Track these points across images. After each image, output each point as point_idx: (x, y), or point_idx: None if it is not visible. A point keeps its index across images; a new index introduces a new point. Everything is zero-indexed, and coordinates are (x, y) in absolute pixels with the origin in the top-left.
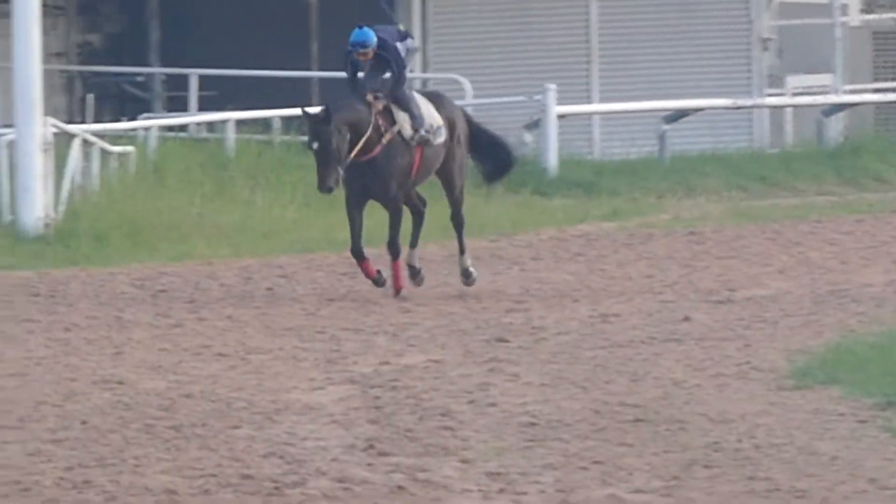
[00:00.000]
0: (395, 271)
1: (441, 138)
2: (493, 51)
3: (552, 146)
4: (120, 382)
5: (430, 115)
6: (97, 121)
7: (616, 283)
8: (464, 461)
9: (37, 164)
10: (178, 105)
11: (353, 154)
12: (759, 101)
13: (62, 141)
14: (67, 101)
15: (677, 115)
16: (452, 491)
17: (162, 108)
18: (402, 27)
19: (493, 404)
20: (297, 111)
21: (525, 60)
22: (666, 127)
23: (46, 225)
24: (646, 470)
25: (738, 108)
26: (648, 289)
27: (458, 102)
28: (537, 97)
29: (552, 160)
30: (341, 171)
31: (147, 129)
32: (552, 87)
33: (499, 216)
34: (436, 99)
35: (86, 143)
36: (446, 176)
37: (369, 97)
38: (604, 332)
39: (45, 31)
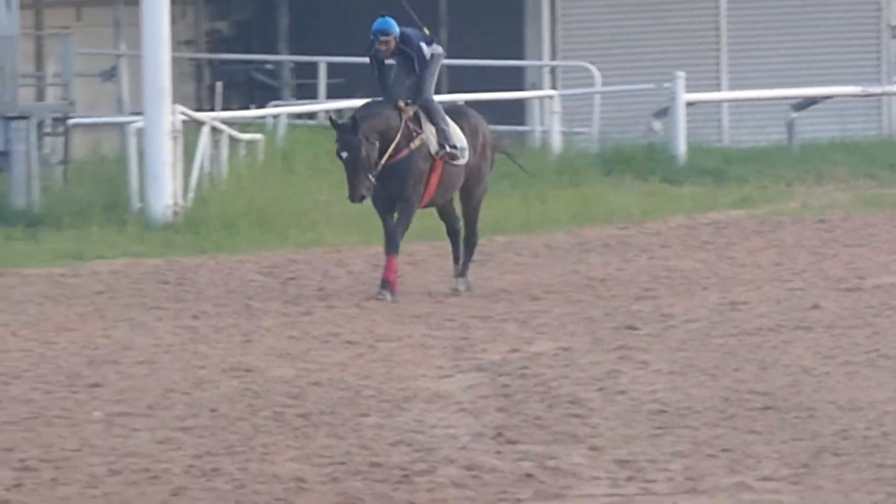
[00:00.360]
0: (389, 263)
1: (464, 160)
2: (622, 38)
3: (681, 134)
4: (248, 370)
5: (456, 134)
6: (226, 108)
7: (745, 271)
8: (593, 449)
9: (166, 152)
10: (307, 93)
11: (383, 161)
12: (888, 88)
13: (191, 129)
14: (196, 88)
15: (806, 103)
16: (581, 478)
17: (290, 96)
18: (427, 31)
19: (622, 392)
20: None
21: (654, 48)
22: (795, 115)
23: (175, 213)
24: (774, 458)
25: (867, 95)
26: (777, 277)
27: (586, 90)
28: (666, 85)
29: (681, 148)
30: (372, 179)
31: (275, 116)
32: (681, 74)
33: (628, 204)
34: (460, 114)
35: (214, 130)
36: (463, 193)
37: (400, 103)
38: (733, 319)
39: (174, 20)
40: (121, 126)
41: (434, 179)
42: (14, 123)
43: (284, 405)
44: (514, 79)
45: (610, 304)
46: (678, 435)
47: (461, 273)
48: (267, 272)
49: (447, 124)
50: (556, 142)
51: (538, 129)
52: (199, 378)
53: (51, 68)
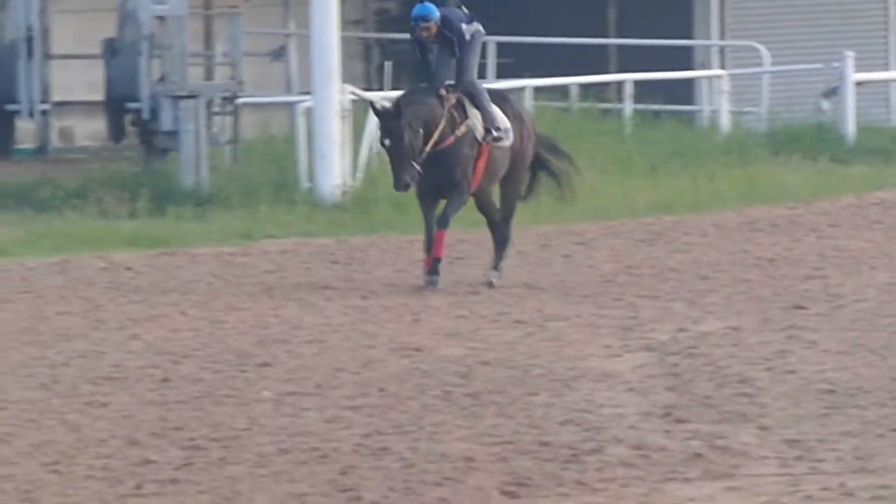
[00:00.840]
0: (438, 239)
1: (510, 140)
2: (790, 18)
3: (850, 113)
4: (417, 349)
5: (500, 116)
6: (394, 88)
7: None
8: (762, 428)
9: (334, 132)
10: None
11: (427, 148)
12: None
13: (359, 108)
14: (365, 68)
15: None
16: (750, 458)
17: None
18: (466, 10)
19: (791, 371)
20: (595, 78)
21: (823, 27)
22: None
23: (344, 192)
24: None
25: None
26: None
27: (755, 70)
28: (835, 65)
29: (850, 127)
30: (417, 167)
31: None
32: (850, 54)
33: (796, 184)
34: (501, 100)
35: None
36: (506, 179)
37: (442, 91)
38: None
39: None
40: (289, 105)
41: (481, 164)
42: (183, 103)
43: (453, 384)
44: (683, 58)
45: (779, 283)
46: (847, 415)
47: (495, 266)
48: None
49: (492, 106)
50: (725, 121)
51: (707, 108)
52: (369, 357)
53: (220, 48)
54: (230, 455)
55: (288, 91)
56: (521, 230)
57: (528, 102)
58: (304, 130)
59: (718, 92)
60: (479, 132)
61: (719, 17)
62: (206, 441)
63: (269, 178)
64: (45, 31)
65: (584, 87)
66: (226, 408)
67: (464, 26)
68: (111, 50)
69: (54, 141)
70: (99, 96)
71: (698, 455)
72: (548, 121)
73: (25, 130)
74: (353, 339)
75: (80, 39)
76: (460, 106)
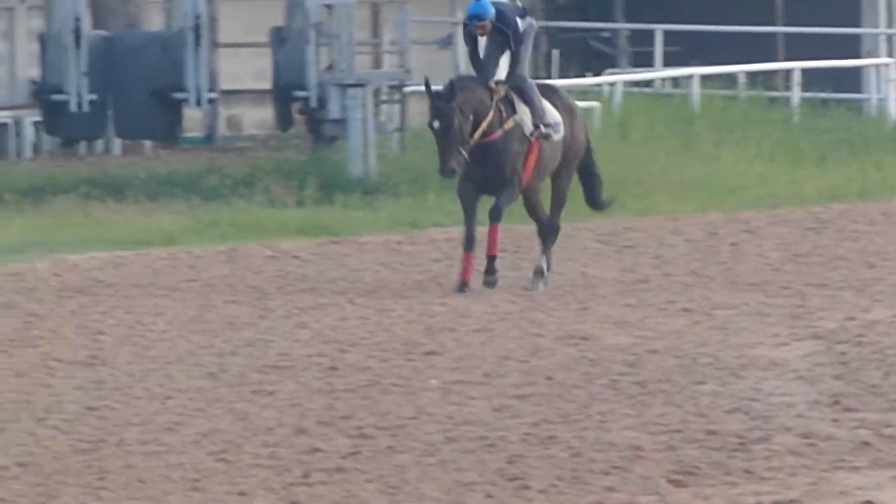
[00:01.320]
0: (492, 234)
1: (560, 134)
2: None
3: None
4: (585, 338)
5: (549, 110)
6: (562, 76)
7: None
8: None
9: None
10: (643, 60)
11: (475, 137)
12: None
13: None
14: (534, 56)
15: None
16: None
17: (627, 64)
18: (520, 3)
19: None
20: (763, 66)
21: None
22: None
23: None
24: None
25: None
26: None
27: None
28: None
29: None
30: (465, 154)
31: (612, 84)
32: None
33: None
34: (551, 92)
35: None
36: (558, 171)
37: (491, 84)
38: None
39: None
40: None
41: (531, 161)
42: (351, 91)
43: (620, 373)
44: (850, 47)
45: None
46: None
47: (546, 260)
48: (603, 240)
49: (541, 101)
50: (893, 109)
51: (874, 97)
52: (536, 346)
53: (387, 36)
54: (397, 444)
55: None
56: (688, 219)
57: (696, 90)
58: None
59: (886, 80)
60: (528, 128)
61: (887, 5)
62: (374, 430)
63: (436, 166)
64: (213, 20)
65: (752, 76)
66: (393, 396)
67: (518, 20)
68: (279, 38)
69: (222, 129)
70: (266, 85)
71: (866, 444)
72: (715, 109)
73: (193, 119)
74: (520, 327)
75: (247, 28)
76: (508, 101)
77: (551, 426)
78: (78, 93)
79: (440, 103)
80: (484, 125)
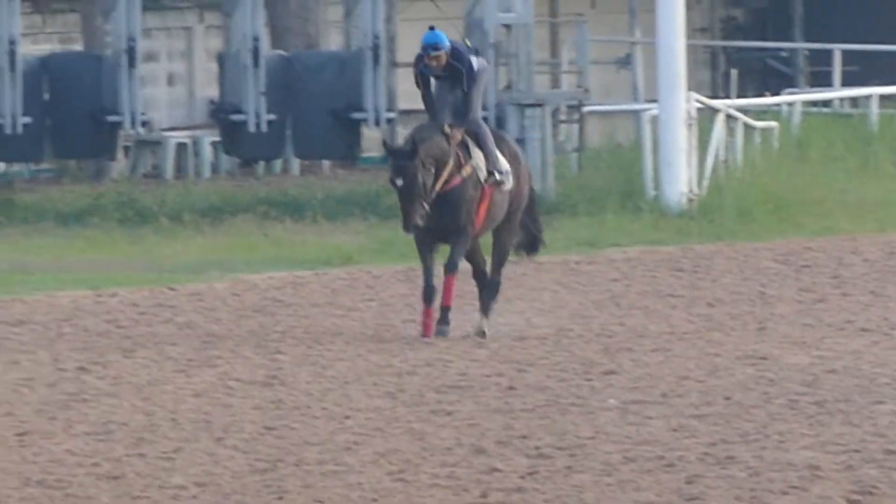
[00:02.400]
0: (447, 285)
1: (510, 184)
2: None
3: None
4: (763, 358)
5: (501, 157)
6: (740, 96)
7: None
8: None
9: (680, 139)
10: (821, 80)
11: (437, 188)
12: None
13: (705, 116)
14: (710, 76)
15: None
16: None
17: (805, 84)
18: (469, 43)
19: None
20: None
21: None
22: None
23: (690, 200)
24: None
25: None
26: None
27: None
28: None
29: None
30: (427, 208)
31: (790, 104)
32: None
33: None
34: (498, 140)
35: (729, 118)
36: (502, 223)
37: (446, 128)
38: None
39: (690, 6)
40: (635, 113)
41: (483, 209)
42: (529, 111)
43: (799, 393)
44: None
45: None
46: None
47: (485, 313)
48: (782, 259)
49: (494, 146)
50: None
51: None
52: (714, 365)
53: (565, 56)
54: (576, 463)
55: (634, 99)
56: (866, 239)
57: (875, 110)
58: (650, 138)
59: None
60: (483, 173)
61: None
62: (552, 449)
63: (614, 186)
64: (391, 39)
65: None
66: (571, 416)
67: (472, 59)
68: None
69: None
70: None
71: None
72: (894, 128)
73: (371, 139)
74: (698, 347)
75: None
76: (463, 145)
77: (729, 446)
78: (256, 113)
79: (403, 161)
80: (444, 174)
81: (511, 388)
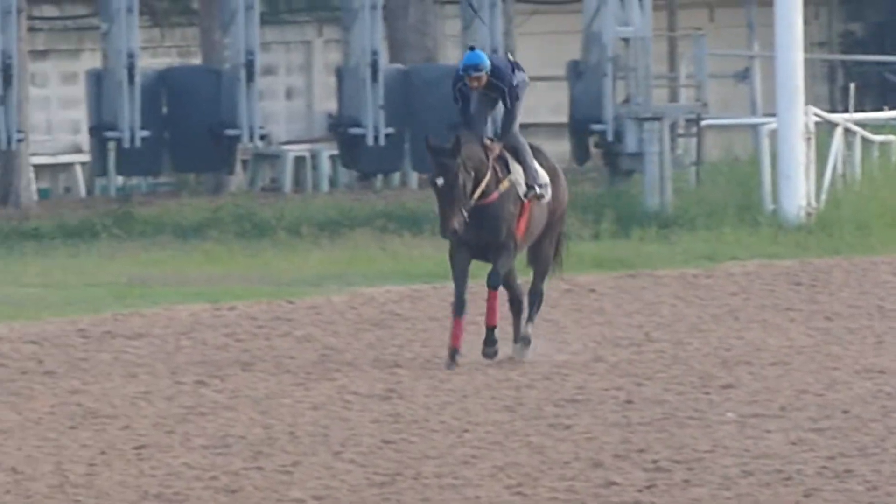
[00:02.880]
0: (491, 303)
1: (548, 197)
2: None
3: None
4: (881, 371)
5: (540, 171)
6: (858, 110)
7: None
8: None
9: (798, 153)
10: None
11: (474, 198)
12: None
13: (823, 130)
14: (828, 90)
15: None
16: None
17: None
18: (511, 57)
19: None
20: None
21: None
22: None
23: (808, 214)
24: None
25: None
26: None
27: None
28: None
29: None
30: (465, 215)
31: None
32: None
33: None
34: (536, 153)
35: (847, 132)
36: (542, 236)
37: (486, 142)
38: None
39: (807, 21)
40: (753, 127)
41: (522, 223)
42: (647, 125)
43: None
44: None
45: None
46: None
47: (524, 336)
48: None
49: (534, 161)
50: None
51: None
52: (832, 379)
53: (683, 69)
54: (693, 477)
55: (752, 113)
56: None
57: None
58: (768, 152)
59: None
60: (522, 188)
61: None
62: (670, 463)
63: (732, 199)
64: (510, 53)
65: None
66: (689, 430)
67: (513, 75)
68: (576, 72)
69: None
70: (563, 118)
71: None
72: None
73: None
74: (816, 361)
75: (544, 62)
76: (502, 160)
77: (848, 459)
78: (375, 126)
79: (445, 159)
80: (482, 185)
81: (629, 401)
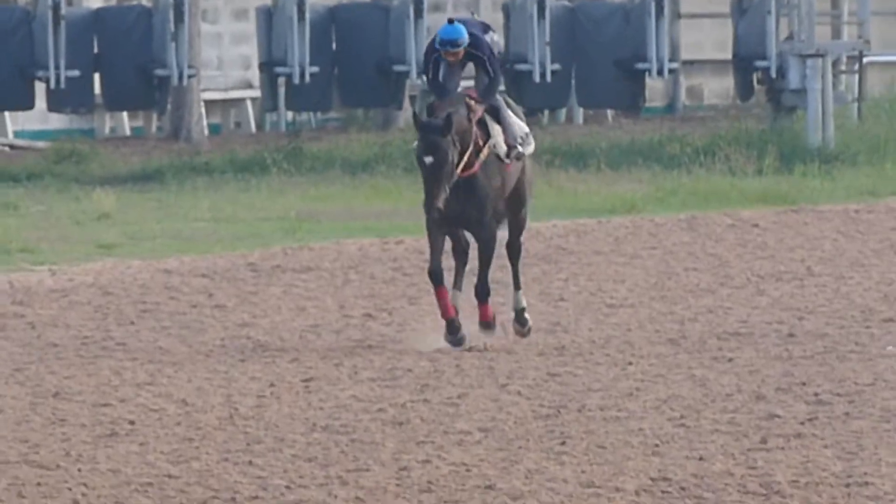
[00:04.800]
0: (483, 310)
1: (532, 146)
2: None
3: None
4: None
5: (518, 122)
6: None
7: None
8: None
9: None
10: None
11: (458, 171)
12: None
13: None
14: None
15: None
16: None
17: None
18: (477, 17)
19: None
20: None
21: None
22: None
23: None
24: None
25: None
26: None
27: None
28: None
29: None
30: (448, 190)
31: None
32: None
33: None
34: (510, 105)
35: None
36: (515, 191)
37: (471, 103)
38: None
39: None
40: None
41: (504, 189)
42: (810, 61)
43: None
44: None
45: None
46: None
47: (517, 285)
48: None
49: (511, 117)
50: None
51: None
52: None
53: (846, 7)
54: (854, 410)
55: None
56: None
57: None
58: None
59: None
60: (502, 149)
61: None
62: (831, 396)
63: (894, 135)
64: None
65: None
66: (850, 363)
67: (488, 39)
68: (740, 9)
69: (683, 99)
70: (727, 55)
71: None
72: None
73: (654, 89)
74: None
75: None
76: (482, 122)
77: None
78: (541, 62)
79: (435, 137)
80: (466, 156)
81: (791, 335)
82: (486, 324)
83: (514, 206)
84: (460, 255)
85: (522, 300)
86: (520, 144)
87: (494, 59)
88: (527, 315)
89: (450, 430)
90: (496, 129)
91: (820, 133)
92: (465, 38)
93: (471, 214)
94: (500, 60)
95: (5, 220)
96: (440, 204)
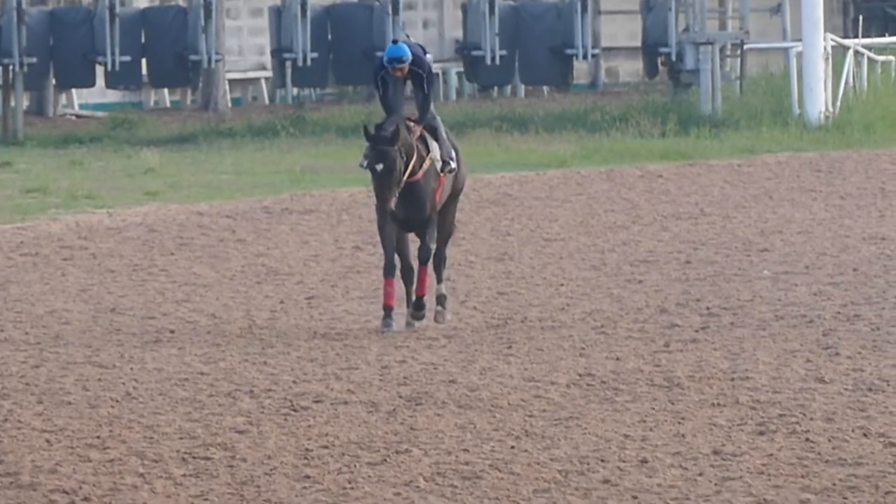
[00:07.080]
0: (422, 276)
1: (458, 166)
2: None
3: None
4: (883, 238)
5: (449, 143)
6: (865, 37)
7: None
8: None
9: (819, 70)
10: None
11: (404, 178)
12: None
13: (838, 52)
14: (842, 21)
15: None
16: None
17: None
18: (411, 38)
19: None
20: None
21: None
22: None
23: (826, 117)
24: None
25: None
26: None
27: None
28: None
29: None
30: (397, 194)
31: None
32: None
33: None
34: (439, 124)
35: (856, 54)
36: (447, 204)
37: (410, 123)
38: None
39: None
40: (784, 50)
41: (437, 195)
42: (702, 48)
43: None
44: None
45: None
46: None
47: (440, 281)
48: None
49: (446, 135)
50: None
51: None
52: (845, 244)
53: (731, 4)
54: (737, 320)
55: (783, 39)
56: None
57: None
58: (796, 69)
59: None
60: (439, 164)
61: None
62: (719, 309)
63: (768, 106)
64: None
65: None
66: (734, 284)
67: (427, 59)
68: (647, 6)
69: (602, 77)
70: (637, 43)
71: None
72: None
73: (580, 69)
74: (832, 230)
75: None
76: (422, 138)
77: (857, 307)
78: (492, 49)
79: (384, 147)
80: (411, 166)
81: (688, 262)
82: (419, 301)
83: (443, 219)
84: (407, 274)
85: (444, 289)
86: (452, 160)
87: (431, 76)
88: (448, 304)
89: (421, 337)
90: (434, 146)
91: (710, 104)
92: (409, 55)
93: (415, 217)
94: (434, 77)
95: (72, 173)
96: (391, 206)
